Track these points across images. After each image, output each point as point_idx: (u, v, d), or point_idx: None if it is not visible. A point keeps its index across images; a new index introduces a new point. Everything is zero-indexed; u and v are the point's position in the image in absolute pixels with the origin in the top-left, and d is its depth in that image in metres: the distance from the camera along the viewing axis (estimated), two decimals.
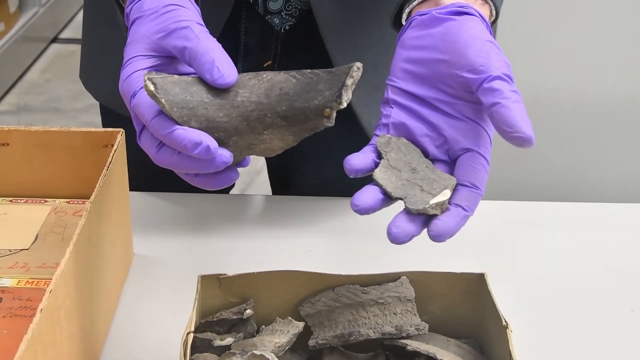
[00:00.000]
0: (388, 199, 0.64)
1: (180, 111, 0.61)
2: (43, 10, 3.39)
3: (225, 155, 0.62)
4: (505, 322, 0.67)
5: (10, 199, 0.91)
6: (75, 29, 3.60)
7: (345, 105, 0.61)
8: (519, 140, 0.61)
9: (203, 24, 0.66)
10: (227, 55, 0.64)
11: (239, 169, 0.65)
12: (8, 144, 0.88)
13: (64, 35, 3.59)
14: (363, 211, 0.63)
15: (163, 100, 0.61)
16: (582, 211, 1.04)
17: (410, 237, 0.62)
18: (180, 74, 0.65)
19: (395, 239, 0.62)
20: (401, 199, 0.63)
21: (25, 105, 3.03)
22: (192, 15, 0.65)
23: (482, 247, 0.94)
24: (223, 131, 0.62)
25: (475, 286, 0.74)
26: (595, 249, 0.96)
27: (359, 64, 0.62)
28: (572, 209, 1.04)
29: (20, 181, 0.90)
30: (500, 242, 0.96)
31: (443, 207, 0.62)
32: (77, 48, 1.09)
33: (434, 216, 0.62)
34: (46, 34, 3.48)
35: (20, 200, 0.90)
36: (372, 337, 0.70)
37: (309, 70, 0.64)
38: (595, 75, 1.78)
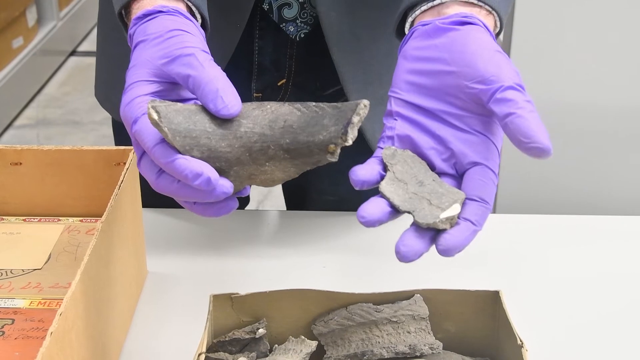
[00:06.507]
0: (395, 212, 0.62)
1: (183, 140, 0.61)
2: (61, 23, 3.41)
3: (225, 186, 0.61)
4: (521, 340, 0.66)
5: (24, 218, 0.91)
6: (93, 42, 3.60)
7: (350, 142, 0.61)
8: (537, 151, 0.59)
9: (208, 51, 0.65)
10: (232, 85, 0.63)
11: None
12: (21, 164, 0.88)
13: (82, 48, 3.61)
14: (369, 224, 0.61)
15: (166, 129, 0.60)
16: (600, 225, 1.02)
17: (418, 255, 0.60)
18: (182, 100, 0.64)
19: (404, 257, 0.60)
20: (409, 212, 0.62)
21: (44, 119, 3.05)
22: (197, 42, 0.64)
23: (497, 263, 0.93)
24: (225, 161, 0.61)
25: (490, 304, 0.73)
26: (615, 264, 0.94)
27: (366, 102, 0.61)
28: (590, 222, 1.03)
29: (34, 200, 0.90)
30: (515, 258, 0.95)
31: (453, 221, 0.61)
32: (94, 61, 1.09)
33: (442, 231, 0.61)
34: (64, 47, 3.50)
35: (34, 219, 0.90)
36: (386, 357, 0.70)
37: (314, 104, 0.63)
38: (609, 85, 1.76)
